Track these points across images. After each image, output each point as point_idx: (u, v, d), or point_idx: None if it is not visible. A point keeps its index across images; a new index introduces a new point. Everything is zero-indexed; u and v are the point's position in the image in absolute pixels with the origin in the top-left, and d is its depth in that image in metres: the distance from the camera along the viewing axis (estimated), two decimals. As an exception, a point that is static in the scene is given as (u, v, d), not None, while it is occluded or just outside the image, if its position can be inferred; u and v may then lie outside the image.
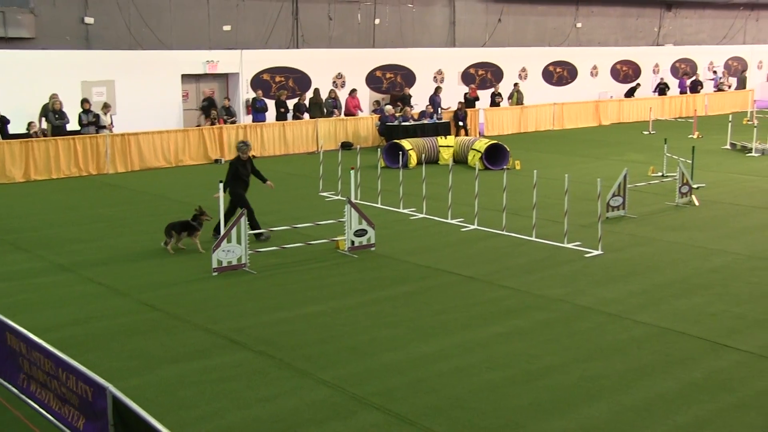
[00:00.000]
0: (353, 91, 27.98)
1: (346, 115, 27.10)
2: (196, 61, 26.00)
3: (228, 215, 13.24)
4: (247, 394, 7.65)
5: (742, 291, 10.67)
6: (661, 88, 37.05)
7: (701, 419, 7.07)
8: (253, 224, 13.34)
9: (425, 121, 26.28)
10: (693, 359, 8.42)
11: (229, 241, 11.77)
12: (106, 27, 24.81)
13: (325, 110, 26.60)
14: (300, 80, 28.32)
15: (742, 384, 7.78)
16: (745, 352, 8.58)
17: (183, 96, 26.15)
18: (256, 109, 25.90)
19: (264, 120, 25.67)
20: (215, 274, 11.66)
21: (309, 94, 27.19)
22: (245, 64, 27.00)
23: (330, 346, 8.86)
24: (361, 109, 28.05)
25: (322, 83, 28.04)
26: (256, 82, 27.25)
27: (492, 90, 31.61)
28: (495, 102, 31.02)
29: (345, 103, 27.70)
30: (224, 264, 11.82)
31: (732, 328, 9.29)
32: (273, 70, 27.72)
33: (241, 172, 13.67)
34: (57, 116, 21.60)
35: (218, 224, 13.02)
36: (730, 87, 39.97)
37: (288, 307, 10.26)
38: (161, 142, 22.43)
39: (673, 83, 39.26)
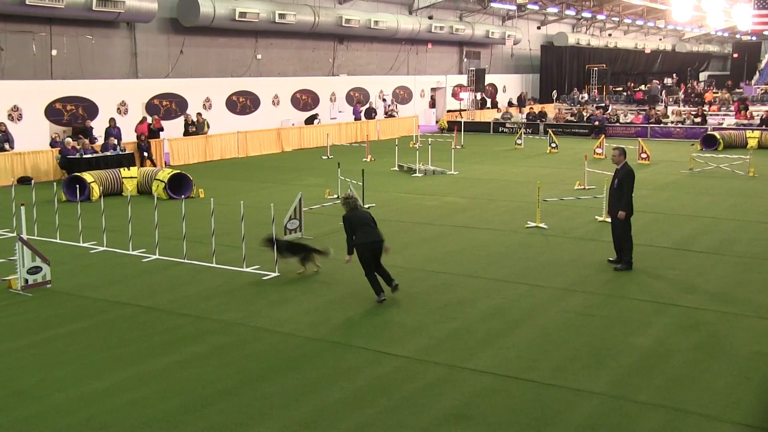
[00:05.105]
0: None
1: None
2: None
3: None
4: None
5: (401, 300, 11.66)
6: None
7: (362, 424, 7.68)
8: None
9: (108, 153, 25.65)
10: (357, 369, 9.09)
11: None
12: None
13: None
14: (-31, 113, 26.30)
15: (398, 387, 8.53)
16: (402, 357, 9.43)
17: None
18: None
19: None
20: None
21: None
22: None
23: (-5, 393, 8.46)
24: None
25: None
26: None
27: (184, 120, 31.64)
28: (188, 131, 31.06)
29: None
30: None
31: (393, 336, 10.14)
32: (-60, 104, 25.49)
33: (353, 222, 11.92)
34: None
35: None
36: (398, 113, 43.28)
37: (-52, 356, 9.61)
38: None
39: (348, 110, 41.67)
